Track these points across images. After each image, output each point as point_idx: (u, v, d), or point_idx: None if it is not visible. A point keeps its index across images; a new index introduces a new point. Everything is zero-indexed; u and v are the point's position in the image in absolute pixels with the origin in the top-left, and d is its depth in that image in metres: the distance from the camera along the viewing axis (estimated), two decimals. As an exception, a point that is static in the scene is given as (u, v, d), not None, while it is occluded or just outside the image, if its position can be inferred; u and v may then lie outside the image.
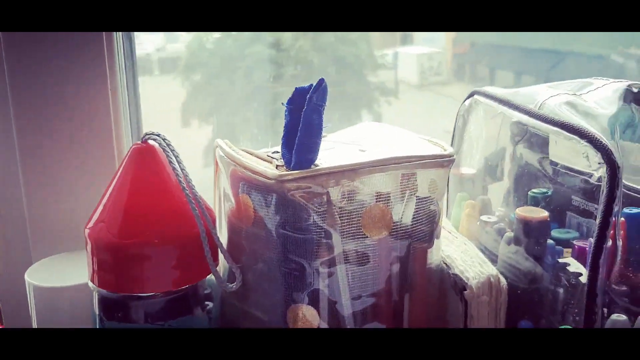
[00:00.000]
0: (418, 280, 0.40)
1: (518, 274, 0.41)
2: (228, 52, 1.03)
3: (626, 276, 0.37)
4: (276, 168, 0.38)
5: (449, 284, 0.42)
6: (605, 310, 0.34)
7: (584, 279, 0.37)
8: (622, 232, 0.39)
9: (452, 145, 0.53)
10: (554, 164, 0.41)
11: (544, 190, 0.43)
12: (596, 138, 0.34)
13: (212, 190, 0.45)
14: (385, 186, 0.38)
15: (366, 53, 1.13)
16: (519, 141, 0.47)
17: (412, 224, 0.39)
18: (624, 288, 0.37)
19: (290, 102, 0.38)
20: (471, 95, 0.49)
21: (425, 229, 0.40)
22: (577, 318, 0.35)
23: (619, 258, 0.36)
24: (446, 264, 0.43)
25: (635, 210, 0.40)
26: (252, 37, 0.96)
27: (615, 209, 0.33)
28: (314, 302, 0.38)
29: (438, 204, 0.41)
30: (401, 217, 0.39)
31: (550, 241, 0.40)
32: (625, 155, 0.49)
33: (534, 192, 0.44)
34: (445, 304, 0.43)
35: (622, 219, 0.40)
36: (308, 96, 0.36)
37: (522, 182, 0.45)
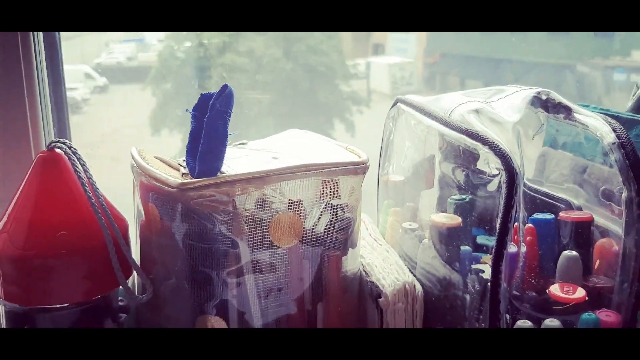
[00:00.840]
0: (332, 289, 0.40)
1: (434, 280, 0.41)
2: (199, 61, 1.02)
3: (531, 283, 0.38)
4: (182, 176, 0.37)
5: (367, 292, 0.42)
6: (508, 316, 0.34)
7: (493, 285, 0.37)
8: (530, 238, 0.39)
9: (380, 153, 0.53)
10: (472, 171, 0.41)
11: (463, 196, 0.44)
12: (495, 144, 0.34)
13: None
14: (297, 194, 0.38)
15: (338, 63, 1.14)
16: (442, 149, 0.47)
17: (326, 232, 0.39)
18: (532, 294, 0.37)
19: (195, 108, 0.37)
20: (395, 103, 0.49)
21: (339, 237, 0.40)
22: (482, 325, 0.35)
23: (521, 264, 0.36)
24: (365, 272, 0.43)
25: (543, 216, 0.40)
26: (225, 45, 0.96)
27: (515, 214, 0.33)
28: (223, 312, 0.37)
29: (353, 212, 0.41)
30: (314, 225, 0.39)
31: (465, 247, 0.40)
32: (547, 161, 0.50)
33: (452, 199, 0.44)
34: (364, 312, 0.43)
35: (530, 225, 0.40)
36: (211, 102, 0.35)
37: (446, 189, 0.45)
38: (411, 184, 0.50)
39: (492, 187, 0.34)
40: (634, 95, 0.49)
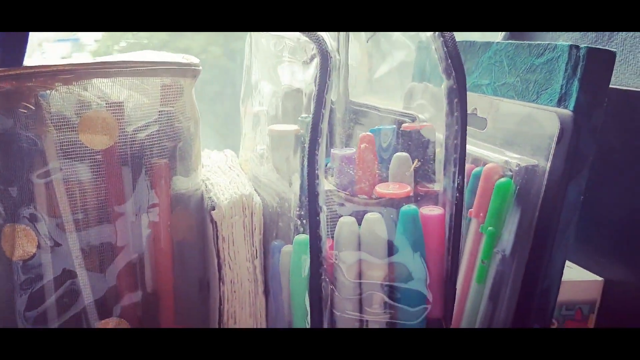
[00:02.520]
0: (159, 201, 0.38)
1: (273, 193, 0.39)
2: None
3: (363, 189, 0.36)
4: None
5: (205, 208, 0.40)
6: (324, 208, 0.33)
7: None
8: (365, 145, 0.38)
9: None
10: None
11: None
12: (312, 33, 0.33)
13: None
14: (117, 94, 0.35)
15: None
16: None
17: (148, 138, 0.36)
18: (362, 196, 0.36)
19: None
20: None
21: (166, 145, 0.37)
22: (304, 221, 0.33)
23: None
24: (207, 190, 0.41)
25: (384, 126, 0.40)
26: (162, 44, 0.92)
27: (327, 99, 0.31)
28: (33, 220, 0.34)
29: (185, 122, 0.38)
30: (137, 131, 0.36)
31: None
32: (414, 94, 0.49)
33: (301, 118, 0.43)
34: (204, 229, 0.40)
35: (368, 133, 0.39)
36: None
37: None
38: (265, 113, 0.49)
39: (311, 77, 0.33)
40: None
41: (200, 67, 0.38)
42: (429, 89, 0.52)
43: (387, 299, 0.33)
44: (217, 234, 0.38)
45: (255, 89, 0.45)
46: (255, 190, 0.41)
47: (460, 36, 0.38)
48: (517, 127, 0.41)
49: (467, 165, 0.43)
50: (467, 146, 0.44)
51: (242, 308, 0.40)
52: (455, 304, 0.43)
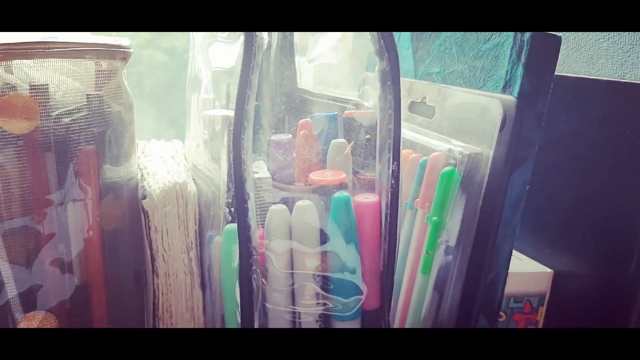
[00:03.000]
0: (89, 189, 0.36)
1: (208, 182, 0.38)
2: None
3: (302, 176, 0.35)
4: None
5: (138, 197, 0.38)
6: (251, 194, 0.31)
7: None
8: (304, 131, 0.37)
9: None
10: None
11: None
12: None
13: None
14: (42, 76, 0.34)
15: None
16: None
17: (75, 123, 0.35)
18: (298, 184, 0.35)
19: None
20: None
21: (94, 131, 0.36)
22: (232, 208, 0.32)
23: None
24: (142, 179, 0.39)
25: (325, 113, 0.38)
26: (146, 42, 0.91)
27: (252, 80, 0.30)
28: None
29: (115, 107, 0.37)
30: (62, 115, 0.34)
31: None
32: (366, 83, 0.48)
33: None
34: (137, 219, 0.39)
35: (307, 119, 0.38)
36: None
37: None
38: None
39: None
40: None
41: (131, 50, 0.37)
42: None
43: (319, 290, 0.32)
44: (148, 225, 0.37)
45: (198, 76, 0.43)
46: (193, 179, 0.40)
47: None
48: (463, 115, 0.40)
49: (415, 155, 0.42)
50: (415, 135, 0.43)
51: (178, 301, 0.38)
52: (401, 295, 0.42)
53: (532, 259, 0.45)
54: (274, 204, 0.32)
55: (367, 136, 0.35)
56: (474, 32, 0.41)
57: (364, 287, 0.33)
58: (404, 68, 0.50)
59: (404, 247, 0.42)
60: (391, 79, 0.31)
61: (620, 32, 0.42)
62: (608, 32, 0.42)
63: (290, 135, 0.35)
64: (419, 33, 0.48)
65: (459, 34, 0.43)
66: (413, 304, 0.41)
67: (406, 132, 0.44)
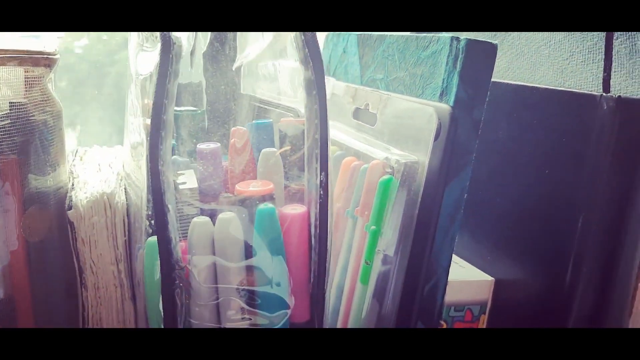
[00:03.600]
0: (12, 199, 0.35)
1: (138, 191, 0.37)
2: (97, 58, 0.94)
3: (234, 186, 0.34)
4: None
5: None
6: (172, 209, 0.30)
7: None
8: (235, 139, 0.36)
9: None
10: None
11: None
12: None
13: None
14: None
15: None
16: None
17: (-5, 132, 0.33)
18: (226, 195, 0.34)
19: None
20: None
21: (17, 140, 0.34)
22: (152, 220, 0.31)
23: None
24: (72, 189, 0.38)
25: (261, 121, 0.38)
26: (123, 43, 0.89)
27: (170, 89, 0.29)
28: None
29: (39, 115, 0.35)
30: (-19, 124, 0.33)
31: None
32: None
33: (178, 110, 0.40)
34: (64, 229, 0.38)
35: (242, 128, 0.37)
36: None
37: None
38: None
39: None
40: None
41: (58, 56, 0.36)
42: (330, 83, 0.51)
43: (244, 305, 0.31)
44: (75, 236, 0.35)
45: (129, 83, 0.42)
46: (125, 188, 0.38)
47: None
48: (401, 123, 0.40)
49: (356, 162, 0.41)
50: (356, 142, 0.42)
51: (109, 314, 0.37)
52: (342, 305, 0.41)
53: (476, 266, 0.45)
54: (198, 216, 0.31)
55: (287, 148, 0.34)
56: (414, 39, 0.40)
57: (291, 301, 0.32)
58: (352, 74, 0.50)
59: (345, 256, 0.41)
60: (316, 88, 0.31)
61: (561, 40, 0.41)
62: (550, 39, 0.42)
63: (217, 145, 0.34)
64: (366, 39, 0.48)
65: (401, 41, 0.43)
66: (353, 313, 0.40)
67: (348, 139, 0.43)
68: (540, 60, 0.43)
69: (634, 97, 0.36)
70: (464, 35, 0.37)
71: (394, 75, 0.43)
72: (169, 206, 0.30)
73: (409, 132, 0.39)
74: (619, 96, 0.35)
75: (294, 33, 0.31)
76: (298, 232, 0.32)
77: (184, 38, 0.31)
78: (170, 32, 0.29)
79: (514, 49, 0.45)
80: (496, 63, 0.48)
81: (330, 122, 0.49)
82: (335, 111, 0.49)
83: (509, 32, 0.46)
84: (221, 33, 0.42)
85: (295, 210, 0.32)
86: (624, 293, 0.37)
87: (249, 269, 0.31)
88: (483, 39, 0.36)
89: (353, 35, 0.49)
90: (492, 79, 0.45)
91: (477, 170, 0.45)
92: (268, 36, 0.36)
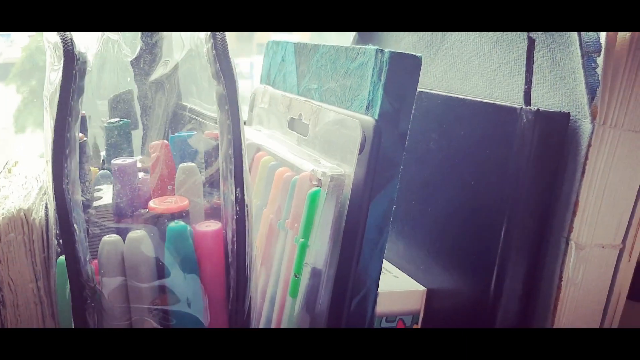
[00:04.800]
0: None
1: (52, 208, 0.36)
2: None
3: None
4: None
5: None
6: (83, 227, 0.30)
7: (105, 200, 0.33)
8: (156, 154, 0.36)
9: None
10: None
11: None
12: (64, 33, 0.29)
13: None
14: None
15: None
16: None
17: None
18: (142, 211, 0.33)
19: None
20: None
21: None
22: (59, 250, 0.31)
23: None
24: (-10, 204, 0.37)
25: (185, 133, 0.37)
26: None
27: (73, 106, 0.28)
28: None
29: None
30: None
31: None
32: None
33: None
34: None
35: (164, 141, 0.37)
36: None
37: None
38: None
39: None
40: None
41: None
42: (268, 92, 0.50)
43: (157, 325, 0.31)
44: (-11, 254, 0.35)
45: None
46: (47, 203, 0.38)
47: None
48: (330, 135, 0.39)
49: (288, 174, 0.41)
50: (289, 154, 0.42)
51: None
52: (274, 318, 0.41)
53: (411, 276, 0.45)
54: (108, 234, 0.31)
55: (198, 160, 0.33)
56: (344, 50, 0.40)
57: (206, 319, 0.32)
58: (290, 82, 0.49)
59: (277, 269, 0.41)
60: (229, 103, 0.30)
61: (490, 50, 0.42)
62: (480, 50, 0.42)
63: (132, 160, 0.33)
64: (302, 48, 0.47)
65: (333, 51, 0.43)
66: (284, 326, 0.40)
67: (282, 150, 0.43)
68: (471, 71, 0.43)
69: (553, 110, 0.37)
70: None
71: (326, 86, 0.43)
72: (75, 225, 0.29)
73: (337, 144, 0.39)
74: (538, 109, 0.36)
75: (206, 48, 0.30)
76: (212, 249, 0.31)
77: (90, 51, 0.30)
78: (74, 47, 0.28)
79: (447, 59, 0.45)
80: (431, 73, 0.48)
81: (269, 132, 0.49)
82: (274, 120, 0.48)
83: (444, 42, 0.46)
84: (149, 40, 0.41)
85: (208, 227, 0.32)
86: (545, 304, 0.38)
87: (162, 288, 0.31)
88: (415, 52, 0.36)
89: (290, 44, 0.49)
90: (426, 90, 0.45)
91: (411, 180, 0.45)
92: (187, 45, 0.35)
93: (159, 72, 0.43)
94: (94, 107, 0.46)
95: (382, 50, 0.37)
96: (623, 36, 0.34)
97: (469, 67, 0.44)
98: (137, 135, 0.46)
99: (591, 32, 0.34)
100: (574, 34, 0.35)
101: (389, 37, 0.55)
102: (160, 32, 0.43)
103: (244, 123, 0.50)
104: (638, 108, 0.36)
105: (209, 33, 0.30)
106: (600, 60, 0.34)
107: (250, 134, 0.47)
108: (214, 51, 0.30)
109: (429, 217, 0.44)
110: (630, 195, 0.37)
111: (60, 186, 0.28)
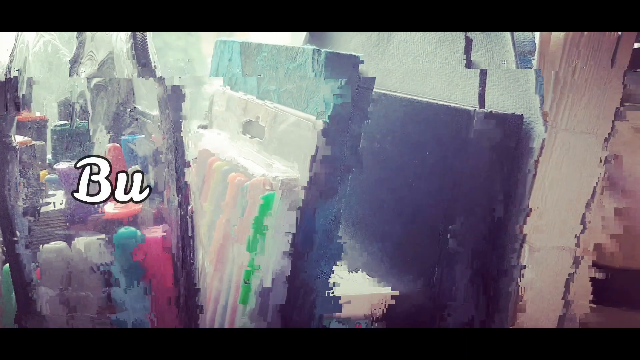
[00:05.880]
0: None
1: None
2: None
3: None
4: None
5: None
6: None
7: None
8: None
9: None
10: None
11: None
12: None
13: None
14: None
15: (197, 60, 1.09)
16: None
17: None
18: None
19: None
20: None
21: None
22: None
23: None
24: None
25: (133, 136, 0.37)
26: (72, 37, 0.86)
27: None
28: None
29: None
30: None
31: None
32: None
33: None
34: None
35: (114, 144, 0.36)
36: None
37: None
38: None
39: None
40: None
41: None
42: (226, 94, 0.50)
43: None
44: None
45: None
46: None
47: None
48: (286, 137, 0.39)
49: (240, 179, 0.41)
50: (242, 158, 0.42)
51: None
52: (225, 324, 0.41)
53: (372, 279, 0.45)
54: (55, 241, 0.30)
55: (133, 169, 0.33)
56: (284, 50, 0.40)
57: (154, 324, 0.31)
58: (250, 84, 0.49)
59: (229, 275, 0.41)
60: (169, 106, 0.30)
61: (449, 51, 0.42)
62: (439, 51, 0.42)
63: (69, 164, 0.33)
64: (246, 47, 0.47)
65: (275, 51, 0.42)
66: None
67: (234, 154, 0.43)
68: (430, 73, 0.43)
69: (505, 112, 0.37)
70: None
71: (284, 87, 0.43)
72: (19, 233, 0.29)
73: (291, 146, 0.38)
74: (491, 111, 0.36)
75: (128, 46, 0.30)
76: (156, 255, 0.31)
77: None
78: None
79: (409, 61, 0.45)
80: (393, 73, 0.48)
81: (226, 135, 0.48)
82: (232, 123, 0.48)
83: (390, 42, 0.46)
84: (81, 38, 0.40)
85: (154, 232, 0.31)
86: (503, 305, 0.38)
87: (107, 296, 0.31)
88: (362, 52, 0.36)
89: (237, 43, 0.49)
90: (385, 91, 0.45)
91: (371, 183, 0.45)
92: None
93: (96, 72, 0.42)
94: (52, 109, 0.46)
95: (319, 50, 0.36)
96: (557, 36, 0.33)
97: (427, 69, 0.44)
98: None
99: (527, 32, 0.34)
100: (509, 34, 0.35)
101: (340, 37, 0.55)
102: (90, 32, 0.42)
103: (205, 127, 0.50)
104: (588, 109, 0.36)
105: (129, 33, 0.30)
106: (535, 61, 0.34)
107: (207, 137, 0.47)
108: (133, 52, 0.30)
109: (387, 220, 0.44)
110: (583, 197, 0.37)
111: (1, 193, 0.28)
